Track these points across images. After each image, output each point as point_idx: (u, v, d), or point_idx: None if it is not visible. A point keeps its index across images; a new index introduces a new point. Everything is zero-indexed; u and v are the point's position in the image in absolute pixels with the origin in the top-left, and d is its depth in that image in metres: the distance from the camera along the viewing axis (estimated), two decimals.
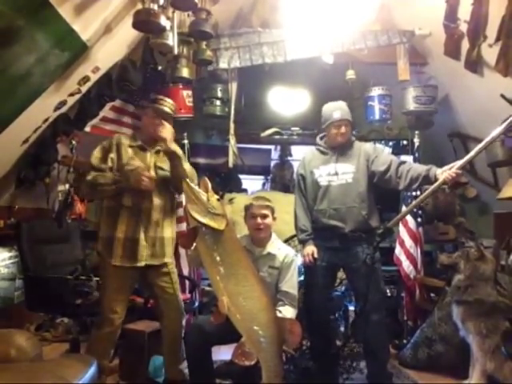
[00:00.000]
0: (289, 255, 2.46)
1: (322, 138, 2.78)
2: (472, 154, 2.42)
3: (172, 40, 2.75)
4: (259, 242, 2.47)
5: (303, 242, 2.65)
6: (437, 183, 2.43)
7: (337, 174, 2.62)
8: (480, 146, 2.40)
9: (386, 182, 2.61)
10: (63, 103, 3.10)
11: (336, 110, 2.67)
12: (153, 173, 2.41)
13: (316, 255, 2.56)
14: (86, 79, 3.04)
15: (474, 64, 3.16)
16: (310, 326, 2.67)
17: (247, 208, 2.50)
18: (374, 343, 2.58)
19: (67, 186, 3.64)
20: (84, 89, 3.14)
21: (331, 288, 2.92)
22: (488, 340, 2.55)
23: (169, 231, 2.49)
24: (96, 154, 2.42)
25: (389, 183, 2.61)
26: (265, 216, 2.43)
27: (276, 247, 2.47)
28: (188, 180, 2.10)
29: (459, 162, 2.42)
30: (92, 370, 1.98)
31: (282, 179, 4.76)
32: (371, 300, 2.51)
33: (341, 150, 2.67)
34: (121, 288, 2.39)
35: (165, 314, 2.48)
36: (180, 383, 2.48)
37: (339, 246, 2.59)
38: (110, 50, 2.99)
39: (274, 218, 2.48)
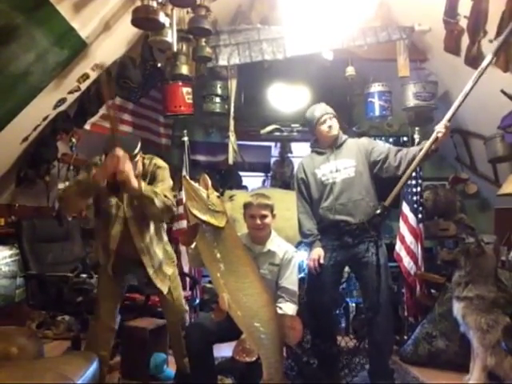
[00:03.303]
0: (288, 252, 2.45)
1: (315, 141, 2.80)
2: (459, 98, 2.40)
3: (171, 37, 2.75)
4: (259, 240, 2.46)
5: (310, 245, 2.64)
6: (429, 141, 2.44)
7: (339, 171, 2.63)
8: (468, 85, 2.38)
9: (386, 170, 2.62)
10: (63, 101, 3.10)
11: (316, 109, 2.74)
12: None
13: (322, 260, 2.56)
14: (85, 77, 3.04)
15: (474, 60, 3.14)
16: (313, 323, 2.67)
17: (246, 206, 2.48)
18: (381, 339, 2.58)
19: (67, 183, 3.64)
20: (83, 86, 3.14)
21: (338, 286, 2.93)
22: (488, 335, 2.56)
23: (160, 254, 2.49)
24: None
25: (388, 171, 2.62)
26: (264, 216, 2.42)
27: (276, 244, 2.47)
28: (187, 178, 2.10)
29: (446, 116, 2.43)
30: (93, 367, 2.00)
31: (282, 176, 4.75)
32: (379, 295, 2.52)
33: (337, 147, 2.69)
34: (116, 277, 2.45)
35: (166, 317, 2.64)
36: (189, 375, 2.53)
37: (346, 242, 2.59)
38: (110, 47, 2.98)
39: (274, 216, 2.47)
